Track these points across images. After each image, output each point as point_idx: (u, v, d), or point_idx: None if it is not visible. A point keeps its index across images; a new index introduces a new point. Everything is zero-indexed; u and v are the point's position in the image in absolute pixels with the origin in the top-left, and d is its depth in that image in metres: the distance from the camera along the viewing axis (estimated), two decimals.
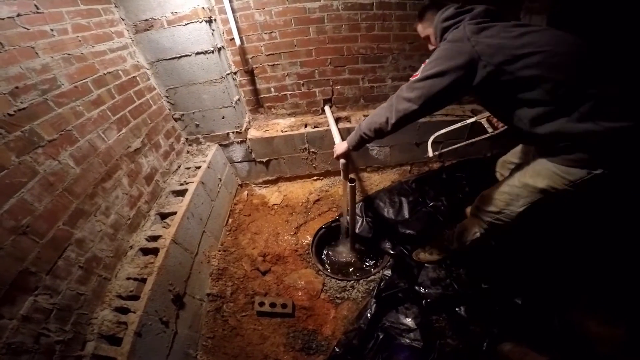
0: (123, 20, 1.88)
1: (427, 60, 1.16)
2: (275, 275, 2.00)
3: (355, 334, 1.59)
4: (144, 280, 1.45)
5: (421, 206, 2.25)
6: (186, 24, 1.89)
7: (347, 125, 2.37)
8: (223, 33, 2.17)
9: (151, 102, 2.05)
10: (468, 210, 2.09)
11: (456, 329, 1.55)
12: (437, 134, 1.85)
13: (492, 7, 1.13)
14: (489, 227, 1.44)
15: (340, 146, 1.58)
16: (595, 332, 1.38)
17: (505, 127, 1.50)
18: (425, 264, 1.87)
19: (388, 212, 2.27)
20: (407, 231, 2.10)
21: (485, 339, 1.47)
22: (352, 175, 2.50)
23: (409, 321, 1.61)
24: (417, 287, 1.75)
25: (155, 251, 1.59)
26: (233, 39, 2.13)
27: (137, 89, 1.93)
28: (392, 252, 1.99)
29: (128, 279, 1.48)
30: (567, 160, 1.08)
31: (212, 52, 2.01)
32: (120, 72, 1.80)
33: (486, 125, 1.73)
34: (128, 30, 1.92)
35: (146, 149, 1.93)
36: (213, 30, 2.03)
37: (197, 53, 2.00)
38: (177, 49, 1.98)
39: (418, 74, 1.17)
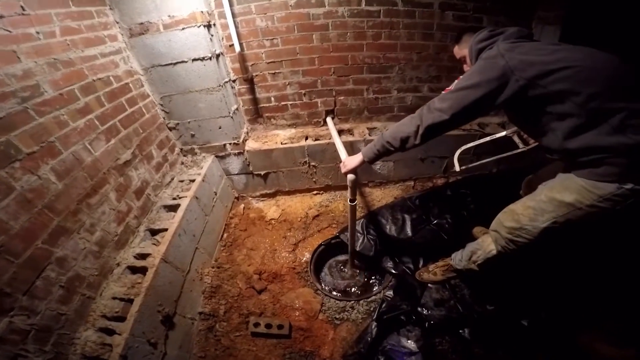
0: (117, 23, 1.79)
1: (460, 77, 1.17)
2: (271, 294, 1.89)
3: (354, 358, 1.51)
4: (130, 301, 1.36)
5: (425, 224, 2.16)
6: (183, 29, 1.80)
7: (350, 138, 2.29)
8: (222, 39, 2.09)
9: (144, 110, 1.95)
10: (476, 230, 2.01)
11: (460, 352, 1.48)
12: (464, 147, 1.84)
13: (524, 28, 1.18)
14: (507, 245, 1.39)
15: (353, 159, 1.49)
16: (605, 355, 1.33)
17: (536, 142, 1.50)
18: (429, 285, 1.79)
19: (390, 230, 2.18)
20: (410, 249, 2.01)
21: None
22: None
23: (411, 344, 1.53)
24: (419, 309, 1.67)
25: (143, 270, 1.49)
26: (232, 45, 2.05)
27: (129, 97, 1.82)
28: (394, 271, 1.90)
29: (114, 298, 1.39)
30: (596, 175, 1.06)
31: (210, 58, 1.93)
32: (111, 78, 1.70)
33: (517, 140, 1.70)
34: (122, 34, 1.82)
35: (137, 161, 1.82)
36: (212, 35, 1.95)
37: (194, 59, 1.91)
38: (173, 55, 1.89)
39: (451, 88, 1.17)
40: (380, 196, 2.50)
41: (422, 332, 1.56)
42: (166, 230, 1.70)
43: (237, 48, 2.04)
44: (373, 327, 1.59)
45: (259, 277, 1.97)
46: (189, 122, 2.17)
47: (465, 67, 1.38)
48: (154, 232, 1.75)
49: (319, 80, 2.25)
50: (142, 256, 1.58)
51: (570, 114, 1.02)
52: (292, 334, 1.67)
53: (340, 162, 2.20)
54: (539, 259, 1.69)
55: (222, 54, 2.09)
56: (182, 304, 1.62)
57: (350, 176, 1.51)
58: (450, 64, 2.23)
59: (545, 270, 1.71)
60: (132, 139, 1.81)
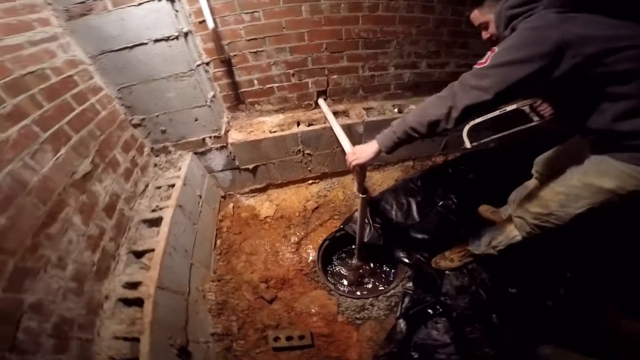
0: (50, 4, 1.37)
1: (495, 48, 1.00)
2: (283, 302, 1.74)
3: (387, 359, 1.45)
4: (136, 340, 1.17)
5: (431, 206, 2.10)
6: (139, 4, 1.42)
7: (347, 121, 2.08)
8: (190, 14, 1.71)
9: (98, 106, 1.56)
10: (482, 209, 1.98)
11: (491, 338, 1.46)
12: (473, 122, 1.73)
13: None
14: (533, 230, 1.35)
15: (366, 149, 1.25)
16: (632, 332, 1.36)
17: (551, 116, 1.47)
18: (446, 272, 1.74)
19: (397, 215, 2.09)
20: (420, 236, 1.95)
21: (521, 344, 1.41)
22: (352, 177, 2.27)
23: (441, 336, 1.49)
24: (443, 299, 1.64)
25: (138, 302, 1.27)
26: (204, 21, 1.68)
27: (76, 92, 1.44)
28: (407, 261, 1.84)
29: (116, 338, 1.21)
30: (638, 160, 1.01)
31: (177, 37, 1.56)
32: (48, 71, 1.31)
33: (528, 112, 1.64)
34: (57, 17, 1.41)
35: (99, 171, 1.47)
36: (177, 10, 1.57)
37: (157, 40, 1.54)
38: (129, 37, 1.51)
39: (486, 61, 1.00)
40: (381, 180, 2.37)
41: (450, 323, 1.52)
42: (153, 250, 1.43)
43: (210, 24, 1.67)
44: (402, 324, 1.53)
45: (267, 285, 1.79)
46: (157, 116, 1.80)
47: (485, 34, 1.24)
48: (138, 254, 1.47)
49: (310, 58, 1.97)
50: (133, 285, 1.33)
51: (628, 96, 0.94)
52: (315, 341, 1.56)
53: (338, 147, 2.00)
54: (558, 237, 1.69)
55: (191, 32, 1.72)
56: (192, 330, 1.43)
57: (358, 168, 1.34)
58: (449, 39, 2.08)
59: (563, 247, 1.71)
60: (89, 145, 1.45)
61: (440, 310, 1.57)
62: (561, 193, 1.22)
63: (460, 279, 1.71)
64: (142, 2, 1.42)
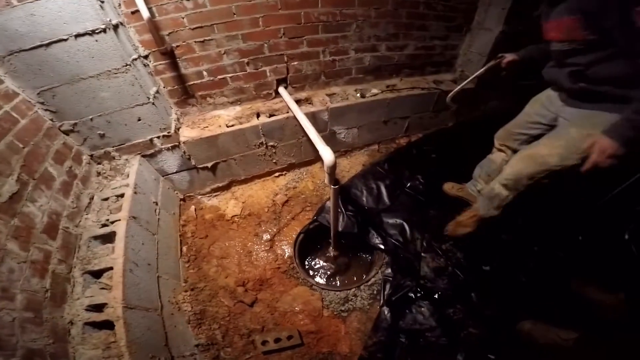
0: None
1: None
2: (265, 303, 1.69)
3: (376, 347, 1.48)
4: None
5: (399, 189, 2.14)
6: None
7: (310, 109, 1.98)
8: (120, 4, 1.45)
9: (16, 115, 1.29)
10: (446, 186, 2.06)
11: (474, 317, 1.53)
12: (459, 87, 1.90)
13: None
14: (525, 189, 1.45)
15: (611, 143, 1.10)
16: (596, 299, 1.45)
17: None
18: (422, 254, 1.79)
19: (367, 201, 2.10)
20: (393, 220, 1.98)
21: (501, 321, 1.49)
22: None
23: (427, 319, 1.54)
24: (423, 282, 1.68)
25: (108, 325, 1.18)
26: (137, 11, 1.44)
27: None
28: (383, 247, 1.85)
29: None
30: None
31: (104, 30, 1.34)
32: None
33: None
34: None
35: (30, 190, 1.24)
36: (101, 1, 1.32)
37: (79, 35, 1.31)
38: (42, 33, 1.26)
39: None
40: (349, 166, 2.35)
41: (434, 306, 1.57)
42: (111, 268, 1.29)
43: (145, 14, 1.43)
44: (386, 312, 1.56)
45: (244, 288, 1.71)
46: (91, 120, 1.55)
47: None
48: (95, 274, 1.31)
49: (266, 45, 1.80)
50: (97, 307, 1.22)
51: None
52: (304, 339, 1.54)
53: (304, 136, 1.93)
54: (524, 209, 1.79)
55: (121, 23, 1.47)
56: (174, 345, 1.36)
57: (329, 161, 1.34)
58: (407, 21, 2.05)
59: (529, 221, 1.84)
60: (11, 160, 1.21)
61: (422, 293, 1.62)
62: (560, 146, 1.28)
63: (436, 260, 1.76)
64: None
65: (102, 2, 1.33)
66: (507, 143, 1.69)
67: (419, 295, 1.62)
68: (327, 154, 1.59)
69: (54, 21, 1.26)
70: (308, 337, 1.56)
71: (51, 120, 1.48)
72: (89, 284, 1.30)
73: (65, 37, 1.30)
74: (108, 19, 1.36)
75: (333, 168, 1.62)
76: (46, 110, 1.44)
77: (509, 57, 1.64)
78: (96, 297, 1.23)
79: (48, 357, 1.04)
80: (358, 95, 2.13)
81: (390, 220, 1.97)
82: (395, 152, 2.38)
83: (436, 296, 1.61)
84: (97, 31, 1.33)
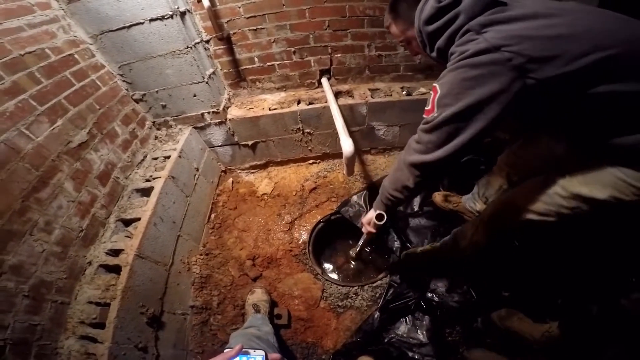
0: None
1: (436, 84, 0.88)
2: (267, 281, 1.75)
3: (350, 347, 1.43)
4: (107, 305, 1.22)
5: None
6: None
7: (350, 101, 1.97)
8: None
9: (99, 83, 1.63)
10: (438, 199, 1.86)
11: (471, 344, 1.36)
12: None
13: None
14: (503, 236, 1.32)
15: (368, 216, 1.31)
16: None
17: None
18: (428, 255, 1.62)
19: None
20: (417, 226, 1.83)
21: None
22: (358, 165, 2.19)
23: (420, 334, 1.41)
24: (430, 295, 1.53)
25: (117, 269, 1.32)
26: (201, 0, 1.64)
27: (76, 69, 1.51)
28: (400, 252, 1.73)
29: (90, 302, 1.25)
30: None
31: (172, 16, 1.57)
32: (47, 50, 1.39)
33: None
34: (58, 0, 1.48)
35: (96, 142, 1.54)
36: None
37: (152, 20, 1.57)
38: (125, 17, 1.54)
39: (433, 111, 0.88)
40: (384, 164, 2.25)
41: (432, 322, 1.43)
42: (139, 219, 1.49)
43: (206, 3, 1.64)
44: (376, 317, 1.47)
45: (253, 263, 1.81)
46: (157, 92, 1.84)
47: (416, 59, 1.17)
48: (126, 223, 1.54)
49: (311, 36, 1.86)
50: (115, 252, 1.39)
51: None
52: (292, 324, 1.56)
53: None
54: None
55: (188, 11, 1.72)
56: (169, 300, 1.48)
57: (348, 152, 1.36)
58: None
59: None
60: (87, 117, 1.53)
61: (424, 306, 1.49)
62: (542, 202, 1.06)
63: (453, 277, 1.59)
64: None
65: None
66: (511, 171, 1.46)
67: (420, 308, 1.48)
68: (346, 145, 1.57)
69: (134, 7, 1.53)
70: (298, 323, 1.56)
71: (126, 89, 1.80)
72: (119, 230, 1.50)
73: (142, 21, 1.57)
74: (176, 7, 1.59)
75: (351, 159, 1.60)
76: (123, 81, 1.77)
77: None
78: (118, 243, 1.40)
79: (53, 290, 1.18)
80: (404, 92, 2.01)
81: (415, 227, 1.83)
82: None
83: (438, 312, 1.45)
84: (165, 16, 1.57)
